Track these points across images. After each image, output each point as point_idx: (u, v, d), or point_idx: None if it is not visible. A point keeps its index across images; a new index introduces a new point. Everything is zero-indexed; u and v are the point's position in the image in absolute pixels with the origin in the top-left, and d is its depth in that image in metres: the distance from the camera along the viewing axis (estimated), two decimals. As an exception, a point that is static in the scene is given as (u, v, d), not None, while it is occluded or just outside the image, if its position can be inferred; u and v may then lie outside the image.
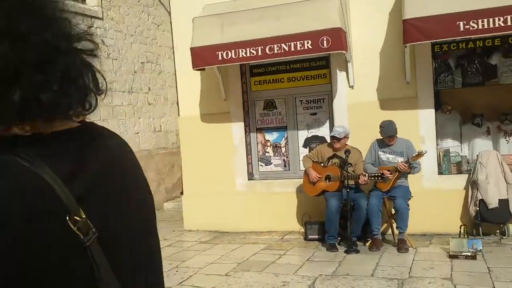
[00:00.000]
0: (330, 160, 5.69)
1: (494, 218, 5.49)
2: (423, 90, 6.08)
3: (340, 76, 6.37)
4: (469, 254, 4.74)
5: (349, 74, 6.23)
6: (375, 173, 5.22)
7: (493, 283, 3.96)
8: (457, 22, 4.94)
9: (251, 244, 5.95)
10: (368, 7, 6.12)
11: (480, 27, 4.88)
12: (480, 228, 5.59)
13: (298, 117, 6.88)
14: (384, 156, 5.54)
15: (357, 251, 5.18)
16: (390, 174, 5.22)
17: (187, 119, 7.15)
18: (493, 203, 5.44)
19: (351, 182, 5.53)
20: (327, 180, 5.60)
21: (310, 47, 5.45)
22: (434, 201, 5.76)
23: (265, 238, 6.25)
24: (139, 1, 9.75)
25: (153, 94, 10.13)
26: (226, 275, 4.64)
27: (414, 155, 5.27)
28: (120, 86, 8.87)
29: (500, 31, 4.91)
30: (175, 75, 10.74)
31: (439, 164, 6.18)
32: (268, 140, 7.06)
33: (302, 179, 6.51)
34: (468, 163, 6.33)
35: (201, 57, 5.93)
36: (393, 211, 5.56)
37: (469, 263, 4.56)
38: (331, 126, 6.66)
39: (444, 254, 4.93)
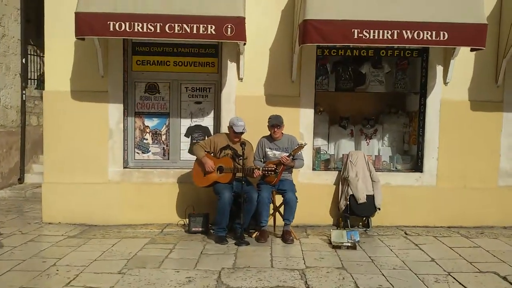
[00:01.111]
0: (223, 151, 5.59)
1: (362, 212, 6.08)
2: (305, 90, 6.40)
3: (231, 67, 6.31)
4: (349, 244, 5.15)
5: (240, 66, 6.21)
6: (269, 168, 5.29)
7: (380, 271, 4.36)
8: (352, 30, 5.31)
9: (130, 238, 5.49)
10: (264, 1, 6.17)
11: (371, 37, 5.33)
12: (348, 221, 6.11)
13: (182, 104, 6.60)
14: (271, 152, 5.67)
15: (248, 243, 5.21)
16: (276, 167, 5.35)
17: (54, 94, 6.26)
18: (362, 198, 6.02)
19: (239, 174, 5.52)
20: (219, 172, 5.49)
21: (213, 32, 5.26)
22: (307, 195, 6.08)
23: (143, 231, 5.84)
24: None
25: (-8, 60, 8.65)
26: (120, 273, 4.18)
27: (295, 148, 5.51)
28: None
29: (386, 43, 5.43)
30: (21, 41, 9.37)
31: (312, 161, 6.56)
32: (148, 126, 6.62)
33: (181, 170, 6.32)
34: (334, 161, 6.86)
35: (88, 24, 5.23)
36: (277, 204, 5.73)
37: (351, 253, 4.96)
38: (216, 116, 6.58)
39: (326, 245, 5.27)
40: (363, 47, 6.45)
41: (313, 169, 6.51)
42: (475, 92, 6.46)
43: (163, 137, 6.64)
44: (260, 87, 6.36)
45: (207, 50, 6.54)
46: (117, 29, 5.26)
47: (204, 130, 6.63)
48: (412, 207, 6.39)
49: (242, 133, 5.49)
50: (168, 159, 6.63)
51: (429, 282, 4.09)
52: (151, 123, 6.62)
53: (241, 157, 5.42)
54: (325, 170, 6.65)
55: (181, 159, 6.62)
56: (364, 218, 6.28)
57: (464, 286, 4.01)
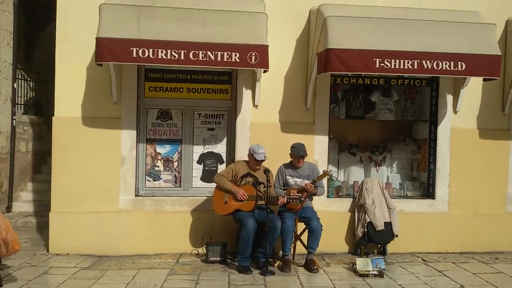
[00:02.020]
0: (244, 179, 5.51)
1: (380, 239, 6.07)
2: (320, 118, 6.44)
3: (246, 94, 6.30)
4: (376, 273, 5.11)
5: (256, 93, 6.20)
6: (294, 195, 5.24)
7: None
8: (374, 59, 5.41)
9: (147, 269, 5.30)
10: (280, 30, 6.22)
11: (392, 66, 5.44)
12: (364, 248, 6.08)
13: (195, 131, 6.51)
14: (292, 180, 5.63)
15: (273, 273, 5.11)
16: (299, 194, 5.32)
17: (64, 121, 6.07)
18: (380, 225, 6.02)
19: (260, 202, 5.45)
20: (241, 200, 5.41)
21: (238, 60, 5.26)
22: (323, 222, 5.99)
23: (158, 261, 5.65)
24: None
25: (-18, 85, 8.37)
26: (154, 306, 4.00)
27: (319, 175, 5.50)
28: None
29: (406, 72, 5.56)
30: (12, 65, 9.13)
31: (327, 188, 6.54)
32: (159, 153, 6.49)
33: (194, 198, 6.21)
34: (346, 188, 6.87)
35: (111, 50, 5.14)
36: (297, 232, 5.66)
37: (380, 281, 4.92)
38: (229, 143, 6.52)
39: (351, 274, 5.21)
40: (374, 76, 6.56)
41: (328, 196, 6.49)
42: (483, 121, 6.63)
43: (175, 164, 6.51)
44: (275, 114, 6.36)
45: (221, 77, 6.52)
46: (140, 55, 5.19)
47: (217, 157, 6.55)
48: (426, 234, 6.43)
49: (263, 160, 5.44)
50: (180, 187, 6.49)
51: (469, 310, 4.08)
52: (163, 150, 6.49)
53: (264, 185, 5.35)
54: (338, 197, 6.63)
55: (193, 186, 6.50)
56: (380, 245, 6.25)
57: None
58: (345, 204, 6.47)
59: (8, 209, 9.26)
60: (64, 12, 5.98)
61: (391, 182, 6.98)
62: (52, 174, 6.07)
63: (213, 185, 6.35)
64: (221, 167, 6.51)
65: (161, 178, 6.48)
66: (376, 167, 7.17)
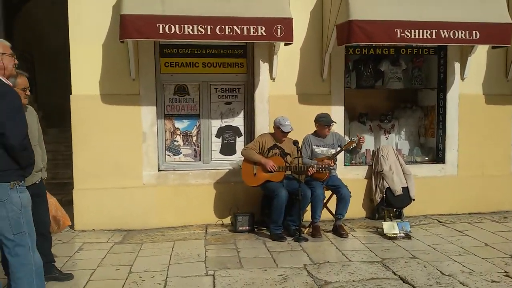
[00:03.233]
0: (271, 151, 5.64)
1: (398, 203, 6.35)
2: (335, 88, 6.58)
3: (263, 67, 6.36)
4: (403, 235, 5.39)
5: (273, 66, 6.27)
6: (324, 164, 5.42)
7: (450, 258, 4.63)
8: (395, 29, 5.55)
9: (182, 240, 5.43)
10: (294, 2, 6.21)
11: (412, 36, 5.59)
12: (387, 212, 6.34)
13: (212, 105, 6.57)
14: (318, 149, 5.80)
15: (307, 239, 5.32)
16: (331, 162, 5.52)
17: (83, 98, 6.03)
18: (398, 190, 6.29)
19: (288, 172, 5.62)
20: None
21: (264, 33, 5.31)
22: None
23: (188, 233, 5.79)
24: None
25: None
26: (208, 275, 4.17)
27: (346, 143, 5.71)
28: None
29: (425, 42, 5.73)
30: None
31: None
32: (178, 128, 6.53)
33: (216, 170, 6.33)
34: (359, 156, 7.08)
35: (136, 27, 5.10)
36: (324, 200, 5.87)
37: (410, 243, 5.19)
38: (246, 116, 6.61)
39: (379, 237, 5.46)
40: (385, 46, 6.71)
41: (344, 164, 6.70)
42: (488, 87, 6.91)
43: (194, 138, 6.58)
44: (292, 86, 6.46)
45: (236, 51, 6.55)
46: (167, 31, 5.17)
47: (234, 130, 6.64)
48: (437, 196, 6.75)
49: (289, 132, 5.58)
50: (200, 160, 6.58)
51: (500, 264, 4.39)
52: (181, 125, 6.54)
53: (290, 155, 5.52)
54: (353, 165, 6.85)
55: (212, 159, 6.59)
56: (396, 210, 6.53)
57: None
58: (361, 171, 6.71)
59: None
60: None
61: (401, 149, 7.24)
62: (73, 152, 6.06)
63: (233, 157, 6.55)
64: (239, 140, 6.62)
65: (181, 153, 6.55)
66: (385, 134, 7.40)
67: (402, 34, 5.56)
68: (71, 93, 6.01)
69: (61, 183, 7.48)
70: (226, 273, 4.20)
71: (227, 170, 6.36)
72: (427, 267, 4.33)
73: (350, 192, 5.57)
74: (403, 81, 7.24)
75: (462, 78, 6.81)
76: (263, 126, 6.38)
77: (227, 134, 6.63)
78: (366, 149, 7.08)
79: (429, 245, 5.07)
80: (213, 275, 4.16)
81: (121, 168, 6.10)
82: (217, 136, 6.61)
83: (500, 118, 6.94)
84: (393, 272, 4.21)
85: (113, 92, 6.07)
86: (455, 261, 4.52)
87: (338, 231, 5.53)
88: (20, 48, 10.23)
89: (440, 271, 4.23)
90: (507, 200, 6.92)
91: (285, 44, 5.86)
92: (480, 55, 6.74)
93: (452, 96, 6.83)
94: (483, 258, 4.59)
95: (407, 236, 5.38)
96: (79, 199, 6.08)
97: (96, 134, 6.04)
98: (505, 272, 4.19)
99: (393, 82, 7.21)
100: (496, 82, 6.92)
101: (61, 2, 6.22)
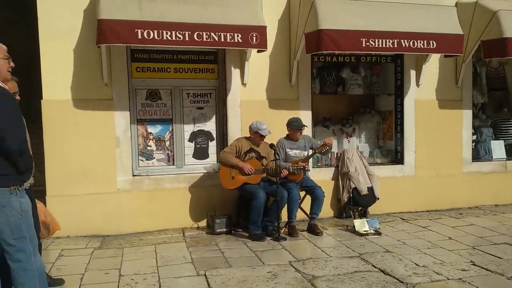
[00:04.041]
0: (247, 155, 5.83)
1: (365, 202, 6.73)
2: (303, 94, 6.89)
3: (235, 73, 6.55)
4: (374, 231, 5.75)
5: (245, 72, 6.48)
6: (299, 166, 5.68)
7: (420, 251, 5.01)
8: (361, 39, 5.93)
9: (162, 244, 5.48)
10: (264, 11, 6.49)
11: (376, 45, 6.00)
12: (350, 212, 6.70)
13: (184, 110, 6.67)
14: (291, 152, 6.06)
15: (285, 238, 5.54)
16: (302, 165, 5.79)
17: (54, 103, 5.93)
18: (364, 190, 6.68)
19: (264, 174, 5.83)
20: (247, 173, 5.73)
21: (240, 40, 5.50)
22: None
23: (165, 237, 5.84)
24: None
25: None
26: (200, 275, 4.27)
27: (319, 146, 5.99)
28: None
29: (388, 50, 6.16)
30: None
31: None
32: (151, 133, 6.57)
33: (190, 174, 6.44)
34: (324, 158, 7.44)
35: (114, 32, 5.13)
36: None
37: (380, 239, 5.52)
38: (218, 120, 6.77)
39: (351, 234, 5.77)
40: (346, 54, 7.13)
41: (312, 167, 7.00)
42: (441, 93, 7.49)
43: (167, 143, 6.64)
44: (262, 92, 6.70)
45: (206, 57, 6.69)
46: (146, 37, 5.24)
47: (207, 135, 6.77)
48: (398, 195, 7.21)
49: (266, 135, 5.80)
50: (173, 165, 6.64)
51: (466, 255, 4.82)
52: (154, 129, 6.58)
53: (266, 158, 5.75)
54: (321, 167, 7.18)
55: (186, 164, 6.68)
56: (361, 208, 6.90)
57: (492, 255, 4.79)
58: (328, 173, 7.04)
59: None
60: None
61: (362, 151, 7.65)
62: (45, 158, 5.93)
63: (206, 161, 6.68)
64: (212, 144, 6.76)
65: (154, 158, 6.58)
66: (347, 138, 7.80)
67: (367, 43, 5.94)
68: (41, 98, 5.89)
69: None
70: (217, 272, 4.32)
71: (202, 174, 6.47)
72: (402, 260, 4.68)
73: (324, 192, 5.85)
74: (363, 87, 7.68)
75: (418, 85, 7.33)
76: (235, 130, 6.55)
77: (200, 139, 6.74)
78: (331, 152, 7.42)
79: (398, 240, 5.44)
80: (205, 275, 4.27)
81: (94, 173, 6.04)
82: (190, 140, 6.71)
83: (452, 122, 7.53)
84: (373, 265, 4.52)
85: (85, 97, 6.02)
86: (425, 253, 4.89)
87: (313, 230, 5.80)
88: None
89: (415, 263, 4.58)
90: (460, 198, 7.50)
91: (258, 51, 6.07)
92: (433, 64, 7.29)
93: (409, 102, 7.34)
94: (450, 250, 5.00)
95: (377, 233, 5.73)
96: (52, 206, 5.92)
97: (68, 140, 5.95)
98: (471, 261, 4.61)
99: (353, 88, 7.63)
100: (447, 88, 7.51)
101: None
